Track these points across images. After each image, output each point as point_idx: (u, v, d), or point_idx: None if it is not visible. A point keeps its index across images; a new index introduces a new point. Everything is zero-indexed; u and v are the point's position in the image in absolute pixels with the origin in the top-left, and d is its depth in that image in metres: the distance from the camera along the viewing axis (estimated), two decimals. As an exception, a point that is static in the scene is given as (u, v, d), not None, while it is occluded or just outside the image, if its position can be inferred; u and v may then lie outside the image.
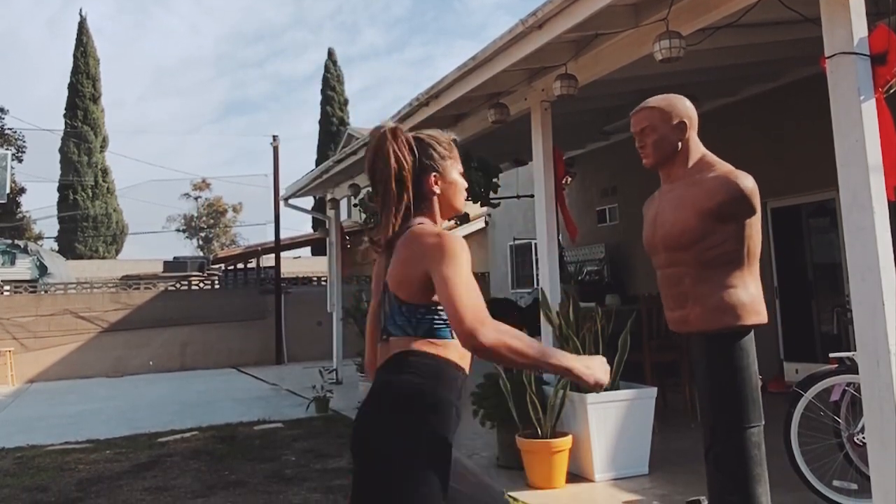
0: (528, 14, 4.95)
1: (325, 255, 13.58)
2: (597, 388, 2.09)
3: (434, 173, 2.26)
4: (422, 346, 2.12)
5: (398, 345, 2.15)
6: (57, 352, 15.63)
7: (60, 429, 8.76)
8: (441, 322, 2.14)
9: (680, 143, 3.30)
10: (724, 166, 3.25)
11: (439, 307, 2.11)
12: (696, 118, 3.35)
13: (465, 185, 2.38)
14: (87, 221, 36.17)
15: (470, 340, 1.95)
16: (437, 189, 2.27)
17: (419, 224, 2.21)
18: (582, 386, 2.09)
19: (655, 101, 3.37)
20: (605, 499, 4.86)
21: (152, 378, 15.05)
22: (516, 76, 6.26)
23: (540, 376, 5.71)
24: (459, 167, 2.36)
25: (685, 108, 3.33)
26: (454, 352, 2.15)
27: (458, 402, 2.17)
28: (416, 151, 2.24)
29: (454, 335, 2.04)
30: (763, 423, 3.24)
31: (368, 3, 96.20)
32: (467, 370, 2.20)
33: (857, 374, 3.57)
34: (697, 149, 3.32)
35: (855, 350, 3.58)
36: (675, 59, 4.62)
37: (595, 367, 2.08)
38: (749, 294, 3.18)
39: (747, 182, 3.13)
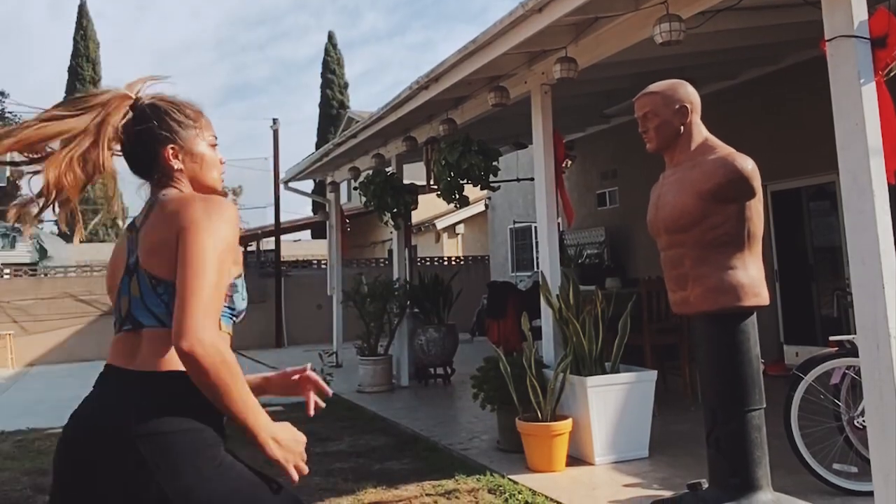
0: (528, -3, 4.92)
1: (326, 238, 13.56)
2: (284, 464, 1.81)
3: (171, 145, 1.90)
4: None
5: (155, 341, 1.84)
6: (57, 335, 15.62)
7: (60, 412, 8.67)
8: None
9: (682, 128, 3.33)
10: (725, 149, 3.27)
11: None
12: (699, 103, 3.40)
13: (219, 159, 2.01)
14: (86, 204, 36.17)
15: (185, 339, 1.62)
16: (175, 164, 1.91)
17: (174, 191, 1.90)
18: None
19: (658, 86, 3.41)
20: (606, 482, 4.88)
21: (153, 361, 15.07)
22: (516, 59, 6.24)
23: (539, 359, 5.72)
24: (210, 139, 1.98)
25: (687, 93, 3.38)
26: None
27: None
28: (148, 118, 1.89)
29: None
30: (764, 406, 3.27)
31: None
32: None
33: (858, 357, 3.58)
34: (700, 133, 3.36)
35: (855, 333, 3.59)
36: (675, 43, 4.61)
37: (285, 440, 1.87)
38: (748, 275, 3.20)
39: (746, 164, 3.15)
